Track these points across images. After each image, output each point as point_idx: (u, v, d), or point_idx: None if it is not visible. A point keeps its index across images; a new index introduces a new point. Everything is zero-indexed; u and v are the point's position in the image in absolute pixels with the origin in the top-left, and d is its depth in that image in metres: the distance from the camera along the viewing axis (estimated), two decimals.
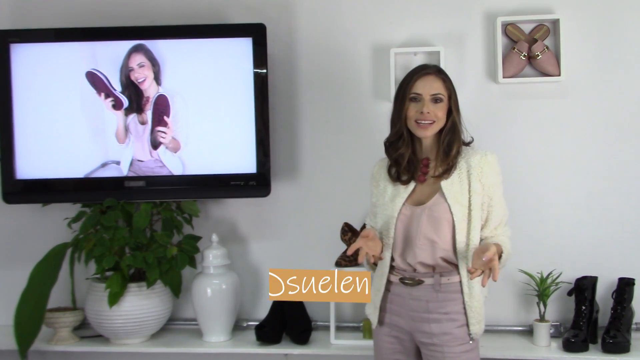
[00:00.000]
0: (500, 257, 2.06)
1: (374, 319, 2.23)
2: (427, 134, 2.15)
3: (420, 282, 2.13)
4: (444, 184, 2.13)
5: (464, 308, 2.11)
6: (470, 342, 2.11)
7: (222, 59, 2.82)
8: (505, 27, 2.82)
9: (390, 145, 2.22)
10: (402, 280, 2.16)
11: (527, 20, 2.81)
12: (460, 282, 2.12)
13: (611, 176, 2.81)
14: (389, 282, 2.20)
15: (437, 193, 2.13)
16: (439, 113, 2.13)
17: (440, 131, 2.17)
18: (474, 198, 2.11)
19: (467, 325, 2.10)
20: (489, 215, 2.14)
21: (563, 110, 2.83)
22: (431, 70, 2.17)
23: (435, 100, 2.13)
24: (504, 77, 2.79)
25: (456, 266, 2.13)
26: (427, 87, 2.13)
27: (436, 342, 2.09)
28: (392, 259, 2.19)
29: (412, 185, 2.18)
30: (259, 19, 2.86)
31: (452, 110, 2.16)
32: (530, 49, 2.77)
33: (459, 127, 2.18)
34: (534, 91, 2.85)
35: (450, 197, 2.10)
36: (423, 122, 2.12)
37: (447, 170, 2.14)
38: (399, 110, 2.17)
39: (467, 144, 2.21)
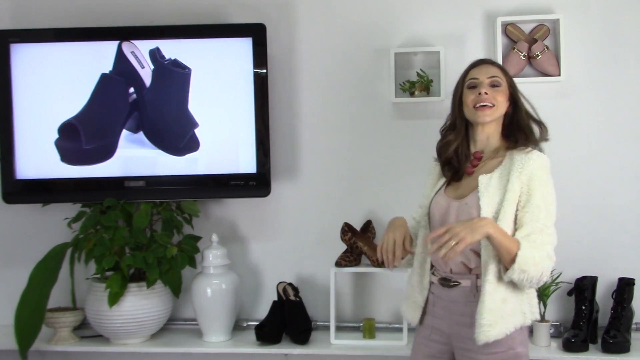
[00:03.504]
0: (514, 260, 1.89)
1: (410, 317, 2.16)
2: (486, 119, 2.05)
3: (457, 284, 2.03)
4: (482, 178, 2.01)
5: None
6: (509, 350, 1.95)
7: (222, 59, 2.82)
8: (505, 27, 2.82)
9: (442, 135, 2.18)
10: (440, 281, 2.07)
11: (527, 20, 2.81)
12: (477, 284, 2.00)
13: (611, 176, 2.81)
14: (430, 283, 2.12)
15: (476, 188, 2.02)
16: (498, 97, 2.06)
17: (503, 125, 2.11)
18: (508, 194, 1.96)
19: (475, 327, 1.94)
20: (523, 219, 1.95)
21: (563, 110, 2.83)
22: (486, 60, 2.16)
23: (493, 84, 2.07)
24: None
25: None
26: (484, 71, 2.09)
27: (471, 348, 1.97)
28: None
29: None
30: (259, 19, 2.86)
31: (517, 100, 2.09)
32: (530, 49, 2.77)
33: (527, 120, 2.09)
34: (534, 91, 2.82)
35: (483, 191, 1.98)
36: (481, 104, 2.04)
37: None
38: (455, 99, 2.13)
39: (536, 144, 2.09)
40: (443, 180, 2.17)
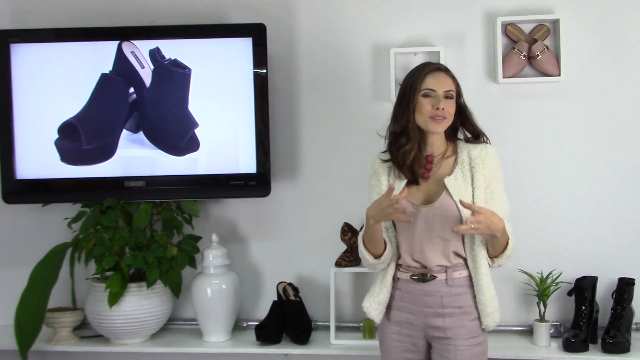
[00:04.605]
0: (506, 247, 2.09)
1: (376, 315, 2.22)
2: (439, 130, 2.14)
3: (433, 278, 2.13)
4: (448, 180, 2.12)
5: (475, 301, 2.13)
6: (480, 335, 2.13)
7: (222, 59, 2.82)
8: (505, 27, 2.82)
9: (394, 141, 2.18)
10: (413, 277, 2.16)
11: (527, 20, 2.81)
12: (469, 276, 2.14)
13: (611, 176, 2.81)
14: (396, 280, 2.20)
15: (444, 191, 2.12)
16: (451, 109, 2.14)
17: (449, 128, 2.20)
18: (477, 191, 2.11)
19: (479, 318, 2.12)
20: (493, 208, 2.08)
21: (563, 110, 2.83)
22: (441, 67, 2.20)
23: (447, 97, 2.13)
24: (504, 77, 2.79)
25: (465, 260, 2.14)
26: (441, 83, 2.13)
27: (450, 336, 2.10)
28: (397, 257, 2.20)
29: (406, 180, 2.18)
30: (259, 19, 2.86)
31: (463, 105, 2.20)
32: (530, 49, 2.77)
33: (472, 118, 2.21)
34: (534, 91, 2.85)
35: (456, 193, 2.09)
36: (437, 117, 2.11)
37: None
38: (407, 104, 2.14)
39: (479, 139, 2.21)
40: (400, 185, 2.17)
